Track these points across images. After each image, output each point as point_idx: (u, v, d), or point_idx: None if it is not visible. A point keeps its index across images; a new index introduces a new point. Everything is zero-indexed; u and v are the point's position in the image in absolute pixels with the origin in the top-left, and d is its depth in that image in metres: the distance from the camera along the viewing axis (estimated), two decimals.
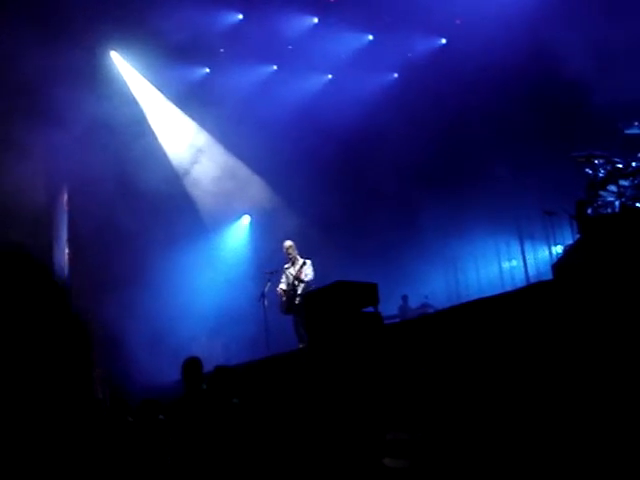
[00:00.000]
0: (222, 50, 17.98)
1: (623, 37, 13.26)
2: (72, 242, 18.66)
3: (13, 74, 14.84)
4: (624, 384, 5.33)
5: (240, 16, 17.48)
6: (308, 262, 12.65)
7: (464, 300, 12.40)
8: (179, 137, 18.91)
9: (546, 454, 5.58)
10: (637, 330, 5.41)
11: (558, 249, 14.74)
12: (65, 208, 19.08)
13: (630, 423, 5.18)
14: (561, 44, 14.01)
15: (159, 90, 18.32)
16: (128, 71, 17.88)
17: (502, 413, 6.10)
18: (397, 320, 14.76)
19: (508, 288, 15.57)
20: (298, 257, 12.73)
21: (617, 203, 10.96)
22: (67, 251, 19.21)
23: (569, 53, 13.61)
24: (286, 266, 12.84)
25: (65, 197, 19.03)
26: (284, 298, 12.57)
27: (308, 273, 12.49)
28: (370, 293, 9.88)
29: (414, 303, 17.37)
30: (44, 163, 17.57)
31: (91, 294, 17.66)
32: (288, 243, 12.87)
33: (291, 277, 12.63)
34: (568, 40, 13.79)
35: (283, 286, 12.68)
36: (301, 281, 12.41)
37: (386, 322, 10.92)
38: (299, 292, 12.34)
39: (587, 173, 11.57)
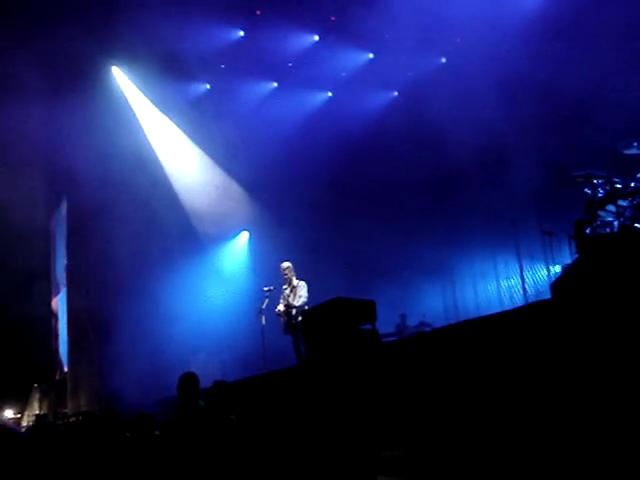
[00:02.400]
0: (223, 66, 18.07)
1: (623, 58, 13.35)
2: (71, 254, 18.71)
3: (15, 89, 14.94)
4: (624, 403, 5.31)
5: (241, 33, 17.58)
6: (302, 284, 12.71)
7: (462, 319, 12.37)
8: (179, 151, 18.99)
9: (543, 473, 5.56)
10: (635, 350, 5.40)
11: (557, 269, 14.72)
12: (64, 217, 19.16)
13: (629, 443, 5.16)
14: (560, 63, 14.07)
15: (160, 105, 18.42)
16: (129, 87, 17.98)
17: (499, 431, 6.08)
18: (394, 338, 14.71)
19: (506, 307, 15.60)
20: (294, 279, 12.76)
21: (616, 223, 10.95)
22: (65, 262, 19.25)
23: (569, 73, 13.65)
24: (284, 287, 12.90)
25: (65, 207, 19.12)
26: (282, 319, 12.65)
27: (301, 295, 12.54)
28: (368, 311, 9.86)
29: (412, 321, 17.32)
30: (44, 174, 17.66)
31: (89, 308, 17.70)
32: (285, 264, 12.94)
33: (286, 298, 12.71)
34: (567, 59, 13.85)
35: (281, 307, 12.74)
36: (293, 307, 12.47)
37: (384, 340, 10.90)
38: (293, 314, 12.41)
39: (586, 193, 11.56)
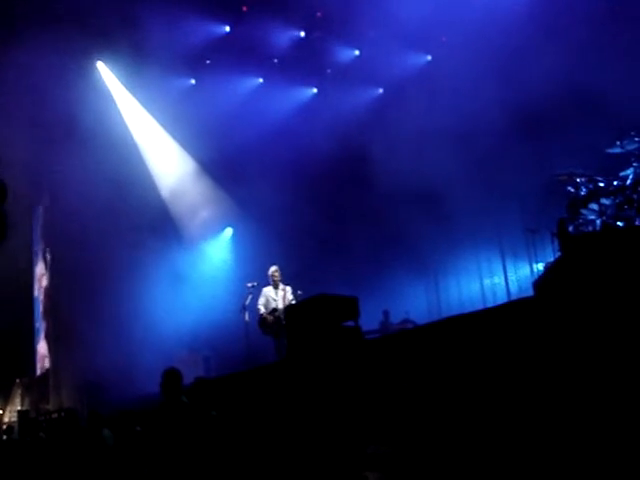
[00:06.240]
0: (208, 62, 18.02)
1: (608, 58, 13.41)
2: (52, 250, 18.62)
3: None
4: (606, 401, 5.34)
5: (227, 28, 17.55)
6: (288, 288, 12.61)
7: (445, 316, 12.41)
8: (163, 147, 18.93)
9: (527, 472, 5.58)
10: (617, 347, 5.43)
11: (539, 266, 14.77)
12: (46, 211, 19.07)
13: (613, 446, 5.18)
14: (545, 62, 14.12)
15: (144, 101, 18.34)
16: (113, 82, 17.91)
17: (482, 427, 6.10)
18: (378, 335, 14.73)
19: (489, 305, 15.64)
20: (280, 283, 12.66)
21: (598, 221, 11.00)
22: (48, 257, 19.15)
23: (553, 72, 13.71)
24: (265, 289, 12.67)
25: (47, 202, 19.02)
26: (271, 321, 12.41)
27: (291, 300, 12.44)
28: (351, 307, 9.84)
29: (395, 318, 17.33)
30: (25, 171, 17.52)
31: (69, 304, 17.61)
32: (274, 268, 12.76)
33: (273, 302, 12.50)
34: (552, 59, 13.89)
35: (262, 309, 12.49)
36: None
37: (367, 337, 10.90)
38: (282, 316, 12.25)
39: (569, 191, 11.61)
